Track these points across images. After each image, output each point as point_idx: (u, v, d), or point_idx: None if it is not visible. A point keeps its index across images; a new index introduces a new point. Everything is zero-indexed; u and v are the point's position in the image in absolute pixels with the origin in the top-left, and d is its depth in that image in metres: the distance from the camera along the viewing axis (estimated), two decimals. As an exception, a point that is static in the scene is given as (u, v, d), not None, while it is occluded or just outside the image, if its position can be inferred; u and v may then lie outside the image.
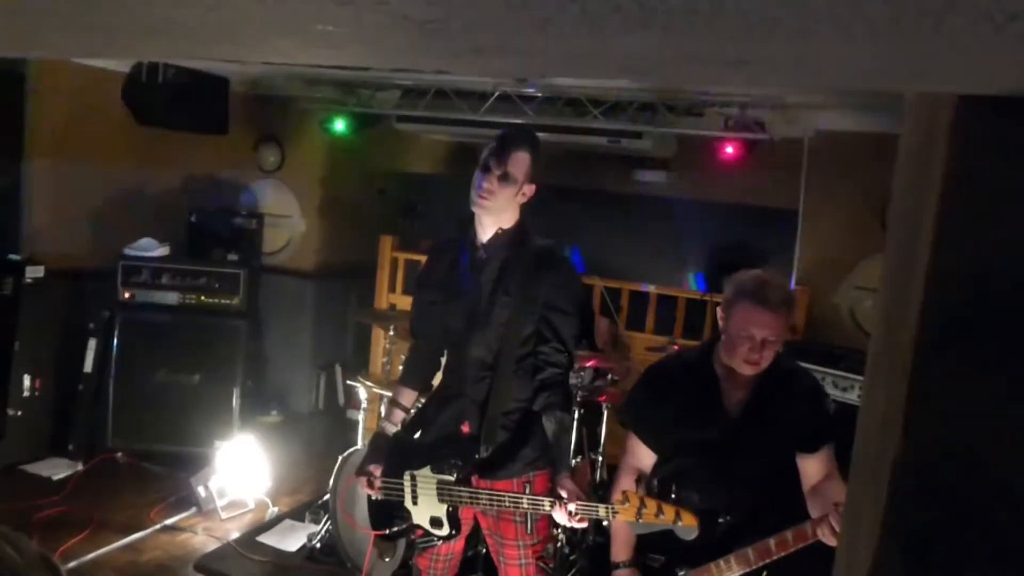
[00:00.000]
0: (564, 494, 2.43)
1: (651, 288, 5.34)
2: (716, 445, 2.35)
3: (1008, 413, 0.51)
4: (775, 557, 2.21)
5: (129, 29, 0.55)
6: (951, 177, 0.51)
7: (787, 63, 0.45)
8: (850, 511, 0.87)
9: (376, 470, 2.76)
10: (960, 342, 0.53)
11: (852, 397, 4.09)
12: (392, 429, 2.87)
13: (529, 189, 2.59)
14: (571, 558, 4.05)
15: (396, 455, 2.78)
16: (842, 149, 4.80)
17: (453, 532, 2.69)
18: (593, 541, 4.19)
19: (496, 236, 2.65)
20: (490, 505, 2.63)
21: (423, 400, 3.03)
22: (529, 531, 2.69)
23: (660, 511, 2.25)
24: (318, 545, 4.22)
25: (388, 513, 2.81)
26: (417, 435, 2.90)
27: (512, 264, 2.64)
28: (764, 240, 5.46)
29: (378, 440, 2.86)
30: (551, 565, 2.89)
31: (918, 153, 0.75)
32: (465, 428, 2.73)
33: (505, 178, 2.51)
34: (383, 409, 4.44)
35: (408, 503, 2.73)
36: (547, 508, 2.47)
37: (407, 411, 2.93)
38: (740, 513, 2.34)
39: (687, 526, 2.23)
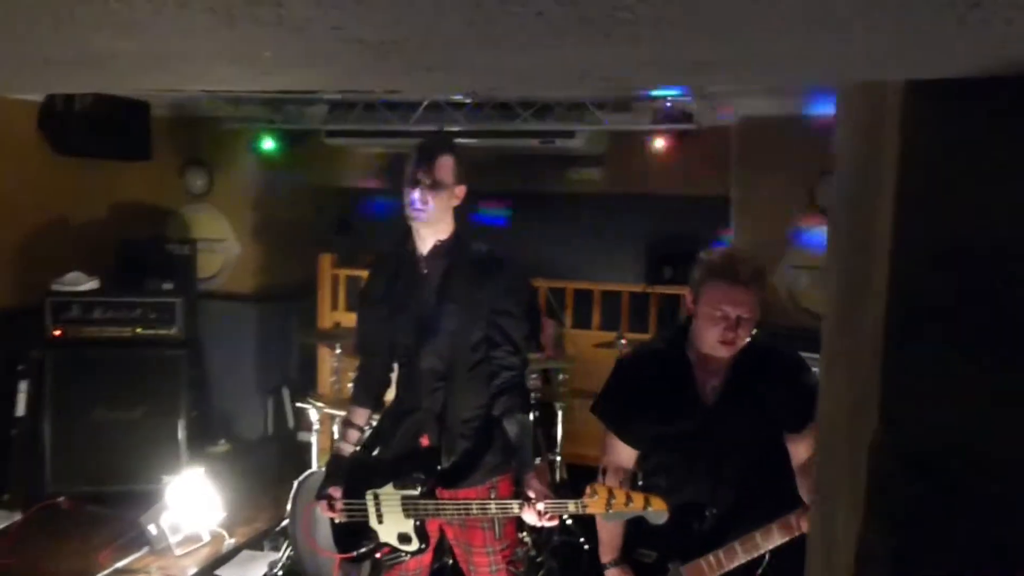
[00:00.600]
0: (532, 494, 2.44)
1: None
2: (695, 436, 2.29)
3: (986, 387, 0.52)
4: (763, 551, 2.20)
5: (71, 62, 0.52)
6: (908, 157, 0.52)
7: (754, 63, 0.46)
8: (824, 494, 0.88)
9: (336, 492, 2.72)
10: (930, 321, 0.54)
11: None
12: (348, 449, 2.84)
13: (460, 191, 2.63)
14: (538, 560, 4.06)
15: (356, 475, 2.75)
16: (767, 133, 4.91)
17: (423, 546, 2.68)
18: (559, 540, 4.20)
19: (435, 247, 2.67)
20: (457, 514, 2.62)
21: (376, 417, 3.00)
22: (497, 536, 2.70)
23: (629, 499, 2.26)
24: (280, 573, 4.13)
25: (353, 534, 2.78)
26: (375, 453, 2.88)
27: (454, 272, 2.65)
28: (701, 228, 5.54)
29: (335, 462, 2.83)
30: (521, 569, 2.89)
31: (864, 136, 0.77)
32: (424, 441, 2.72)
33: (436, 186, 2.55)
34: (336, 430, 4.38)
35: (373, 522, 2.70)
36: (516, 511, 2.48)
37: (361, 430, 2.90)
38: (727, 503, 2.30)
39: (657, 511, 2.23)
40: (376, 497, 2.67)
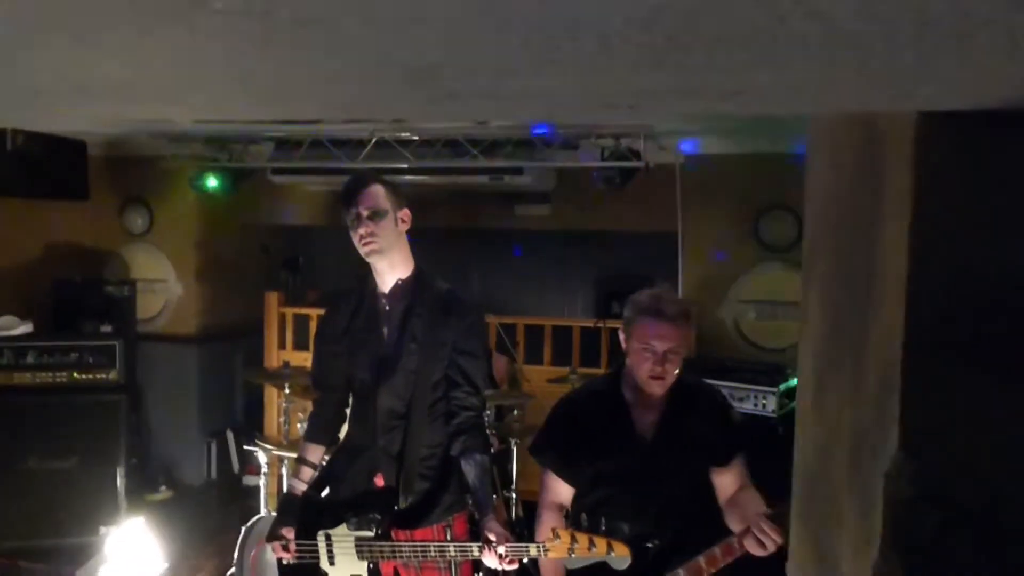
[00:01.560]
0: (493, 537, 2.39)
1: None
2: (635, 471, 2.36)
3: (1006, 417, 0.53)
4: (708, 573, 2.23)
5: (60, 91, 0.50)
6: (923, 188, 0.53)
7: (778, 92, 0.46)
8: (816, 522, 0.88)
9: (289, 532, 2.65)
10: (949, 351, 0.54)
11: (748, 407, 4.25)
12: (301, 488, 2.76)
13: (404, 214, 2.61)
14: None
15: (306, 515, 2.68)
16: (712, 170, 5.04)
17: None
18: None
19: (397, 285, 2.65)
20: (415, 556, 2.56)
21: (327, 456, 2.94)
22: (454, 574, 2.65)
23: (592, 544, 2.25)
24: (227, 624, 3.97)
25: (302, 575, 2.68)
26: (324, 492, 2.81)
27: (416, 311, 2.63)
28: (648, 264, 5.63)
29: (288, 501, 2.77)
30: None
31: (852, 168, 0.78)
32: (379, 481, 2.66)
33: (374, 216, 2.54)
34: (284, 471, 4.26)
35: (324, 564, 2.63)
36: (476, 553, 2.43)
37: (316, 468, 2.82)
38: (668, 535, 2.36)
39: (620, 556, 2.24)
40: (328, 538, 2.60)
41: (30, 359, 4.90)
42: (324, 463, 2.90)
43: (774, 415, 4.20)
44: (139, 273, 5.89)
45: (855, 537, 0.69)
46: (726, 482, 2.41)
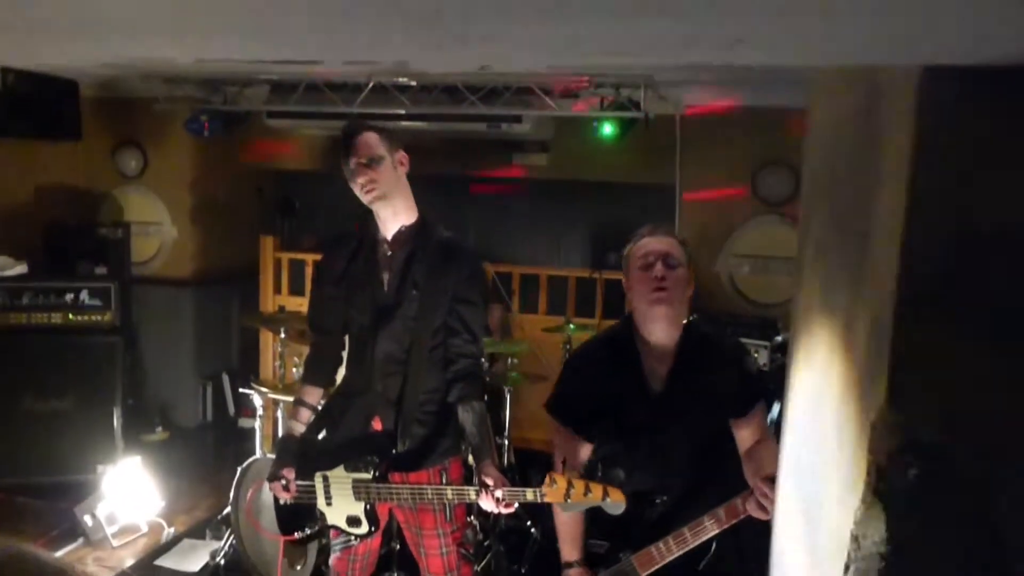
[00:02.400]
0: (490, 482, 2.42)
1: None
2: (645, 424, 2.32)
3: (992, 373, 0.54)
4: (712, 534, 2.22)
5: (60, 26, 0.49)
6: (923, 144, 0.53)
7: (779, 42, 0.46)
8: (803, 472, 0.90)
9: (290, 473, 2.69)
10: (940, 306, 0.55)
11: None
12: (300, 429, 2.79)
13: (402, 157, 2.64)
14: (486, 544, 4.07)
15: (304, 457, 2.72)
16: (711, 124, 5.00)
17: (372, 529, 2.67)
18: (506, 525, 4.22)
19: (400, 232, 2.66)
20: (411, 498, 2.61)
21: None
22: (448, 518, 2.71)
23: (588, 490, 2.26)
24: (222, 562, 4.05)
25: (298, 517, 2.75)
26: (321, 435, 2.84)
27: (418, 258, 2.63)
28: (644, 216, 5.60)
29: (287, 442, 2.80)
30: (471, 551, 2.90)
31: (852, 122, 0.78)
32: (376, 424, 2.70)
33: (371, 162, 2.55)
34: (279, 414, 4.30)
35: (321, 505, 2.68)
36: (472, 497, 2.46)
37: (314, 410, 2.85)
38: (676, 491, 2.32)
39: (615, 501, 2.24)
40: (325, 479, 2.64)
41: (25, 300, 4.91)
42: (321, 406, 2.92)
43: (765, 368, 4.24)
44: (133, 216, 5.86)
45: (839, 486, 0.71)
46: (744, 434, 2.33)
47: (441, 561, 2.76)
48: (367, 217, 2.70)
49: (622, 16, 0.37)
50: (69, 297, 4.97)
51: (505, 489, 2.40)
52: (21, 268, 5.04)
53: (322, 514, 2.70)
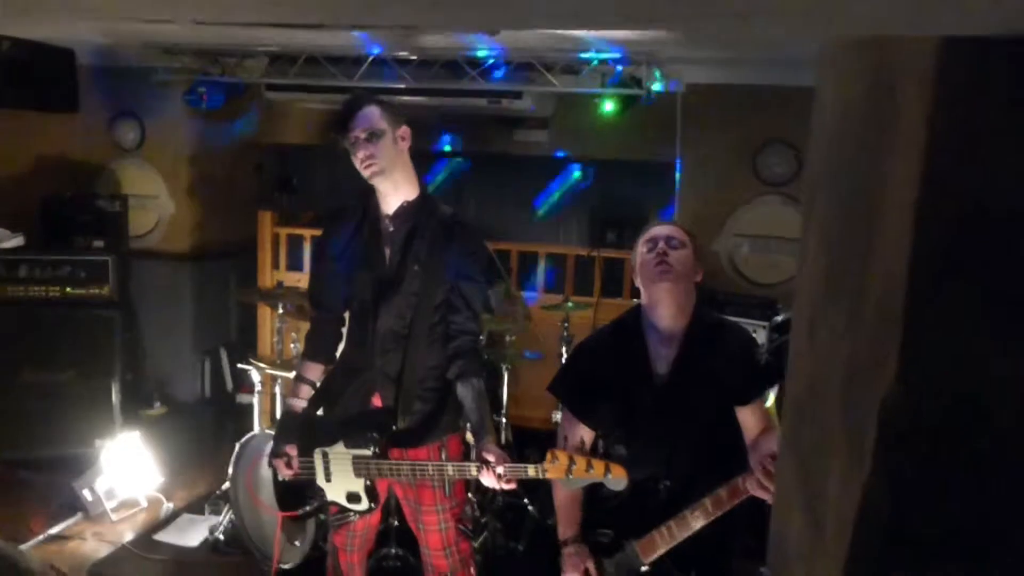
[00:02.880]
0: (491, 458, 2.42)
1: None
2: (649, 409, 2.33)
3: (1004, 354, 0.53)
4: (714, 516, 2.21)
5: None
6: (939, 119, 0.51)
7: (792, 13, 0.44)
8: (805, 453, 0.89)
9: (292, 449, 2.69)
10: (953, 285, 0.54)
11: (739, 339, 4.28)
12: (300, 405, 2.79)
13: (403, 132, 2.61)
14: (483, 520, 4.09)
15: (304, 433, 2.72)
16: (714, 102, 4.96)
17: (372, 505, 2.68)
18: (504, 502, 4.25)
19: (402, 208, 2.64)
20: (412, 474, 2.61)
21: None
22: (447, 494, 2.72)
23: (589, 466, 2.27)
24: (221, 537, 4.07)
25: (298, 493, 2.76)
26: (320, 411, 2.84)
27: (420, 234, 2.62)
28: (645, 194, 5.60)
29: (288, 419, 2.80)
30: (470, 527, 2.91)
31: (863, 95, 0.76)
32: (376, 401, 2.70)
33: (371, 137, 2.53)
34: (277, 389, 4.30)
35: (321, 481, 2.69)
36: (474, 473, 2.47)
37: (314, 386, 2.85)
38: (680, 477, 2.32)
39: (616, 477, 2.25)
40: (325, 456, 2.65)
41: (22, 272, 4.89)
42: (321, 382, 2.91)
43: (765, 356, 4.24)
44: (130, 188, 5.82)
45: (843, 465, 0.70)
46: (749, 422, 2.34)
47: (440, 537, 2.77)
48: (369, 192, 2.69)
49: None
50: (67, 270, 4.96)
51: (507, 465, 2.41)
52: (18, 240, 5.02)
53: (321, 490, 2.70)
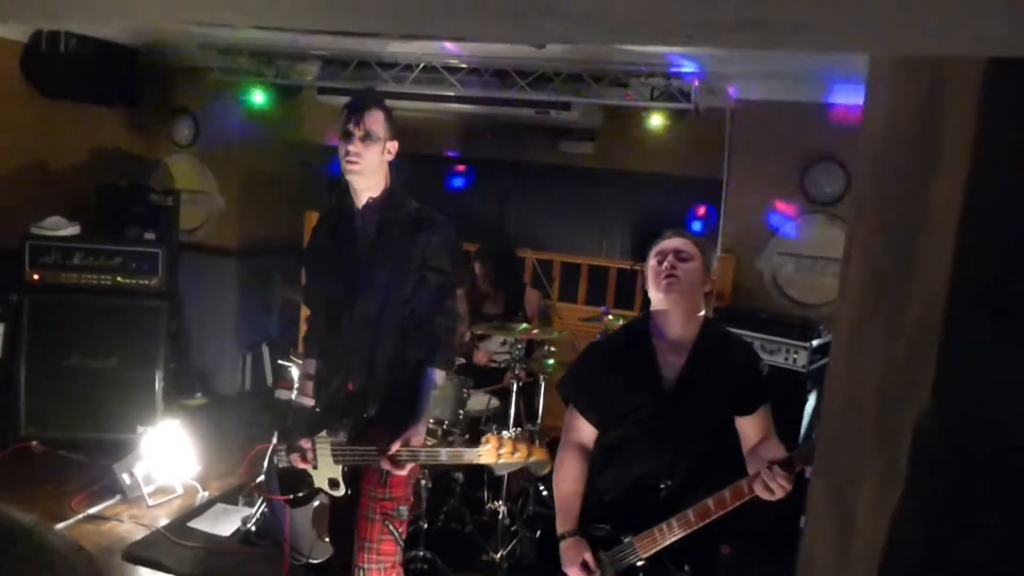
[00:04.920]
0: (396, 445, 2.56)
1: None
2: (655, 412, 2.40)
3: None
4: (715, 516, 2.26)
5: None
6: (984, 139, 0.51)
7: (844, 28, 0.45)
8: (837, 475, 0.88)
9: (307, 443, 2.76)
10: (990, 311, 0.54)
11: (779, 360, 4.23)
12: (309, 402, 2.89)
13: (392, 146, 2.70)
14: (512, 529, 4.09)
15: (309, 425, 2.81)
16: (763, 118, 4.92)
17: (348, 491, 2.74)
18: (533, 511, 4.24)
19: (369, 202, 2.74)
20: (378, 458, 2.67)
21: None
22: (382, 482, 2.73)
23: (515, 450, 2.50)
24: (253, 528, 4.13)
25: (294, 479, 2.84)
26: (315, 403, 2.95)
27: (388, 227, 2.73)
28: (690, 208, 5.56)
29: (299, 415, 2.89)
30: (399, 529, 2.76)
31: (911, 118, 0.76)
32: (350, 387, 2.77)
33: (367, 138, 2.63)
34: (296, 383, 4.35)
35: (310, 468, 2.77)
36: (375, 457, 2.60)
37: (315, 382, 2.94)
38: (681, 478, 2.39)
39: (538, 460, 2.50)
40: (313, 443, 2.74)
41: (76, 260, 5.03)
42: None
43: (804, 370, 4.18)
44: (183, 183, 5.97)
45: (875, 491, 0.69)
46: (750, 431, 2.43)
47: (366, 525, 2.75)
48: (344, 191, 2.80)
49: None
50: (118, 260, 5.09)
51: (407, 449, 2.56)
52: (74, 228, 5.17)
53: (311, 477, 2.79)
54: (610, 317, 4.45)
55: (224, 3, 0.51)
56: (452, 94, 5.08)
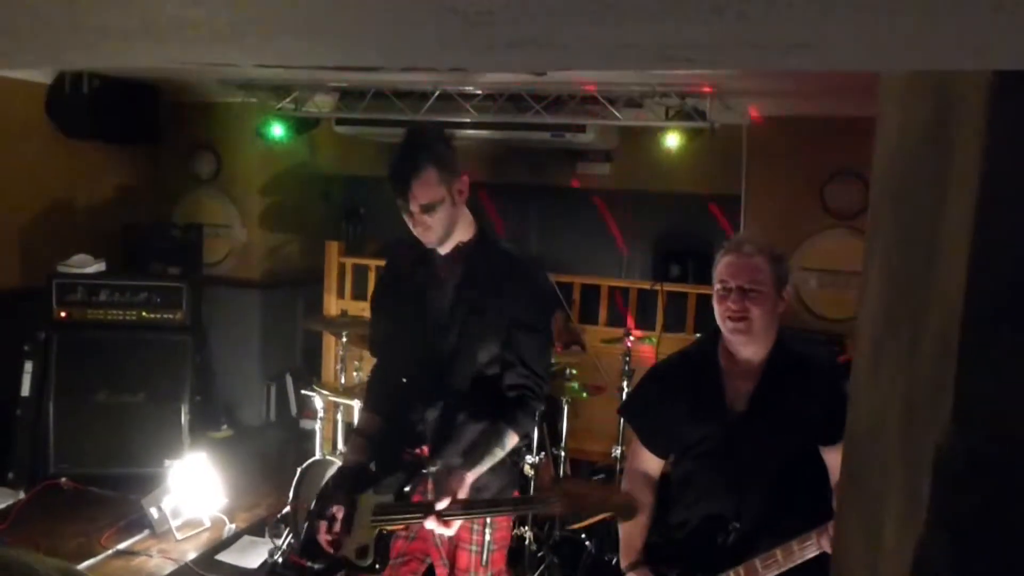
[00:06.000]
0: (444, 496, 2.17)
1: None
2: (720, 444, 2.18)
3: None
4: (785, 568, 2.07)
5: (126, 29, 0.51)
6: (993, 154, 0.50)
7: (847, 47, 0.44)
8: (864, 500, 0.87)
9: (339, 511, 2.33)
10: (1008, 325, 0.52)
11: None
12: (356, 459, 2.47)
13: (462, 184, 2.33)
14: (539, 555, 4.05)
15: (352, 487, 2.40)
16: (780, 133, 4.90)
17: (377, 565, 2.31)
18: (560, 536, 4.20)
19: (457, 248, 2.40)
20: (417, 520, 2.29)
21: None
22: (484, 563, 2.43)
23: (592, 496, 2.24)
24: (280, 560, 4.12)
25: (317, 548, 2.40)
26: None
27: (474, 277, 2.38)
28: (709, 226, 5.54)
29: (341, 474, 2.45)
30: None
31: (921, 132, 0.75)
32: (419, 452, 2.45)
33: (428, 209, 2.26)
34: (339, 416, 4.36)
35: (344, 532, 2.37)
36: (419, 518, 2.22)
37: (372, 439, 2.53)
38: (752, 518, 2.16)
39: (625, 504, 2.17)
40: (354, 504, 2.35)
41: (102, 297, 5.09)
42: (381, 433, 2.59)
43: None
44: (205, 218, 6.04)
45: (902, 510, 0.68)
46: (835, 463, 2.08)
47: None
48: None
49: (674, 18, 0.36)
50: (143, 296, 5.14)
51: (454, 502, 2.15)
52: (99, 266, 5.24)
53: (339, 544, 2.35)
54: (631, 340, 4.43)
55: (231, 45, 0.52)
56: (468, 120, 5.11)
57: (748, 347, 2.17)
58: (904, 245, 0.80)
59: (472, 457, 2.27)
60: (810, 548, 2.05)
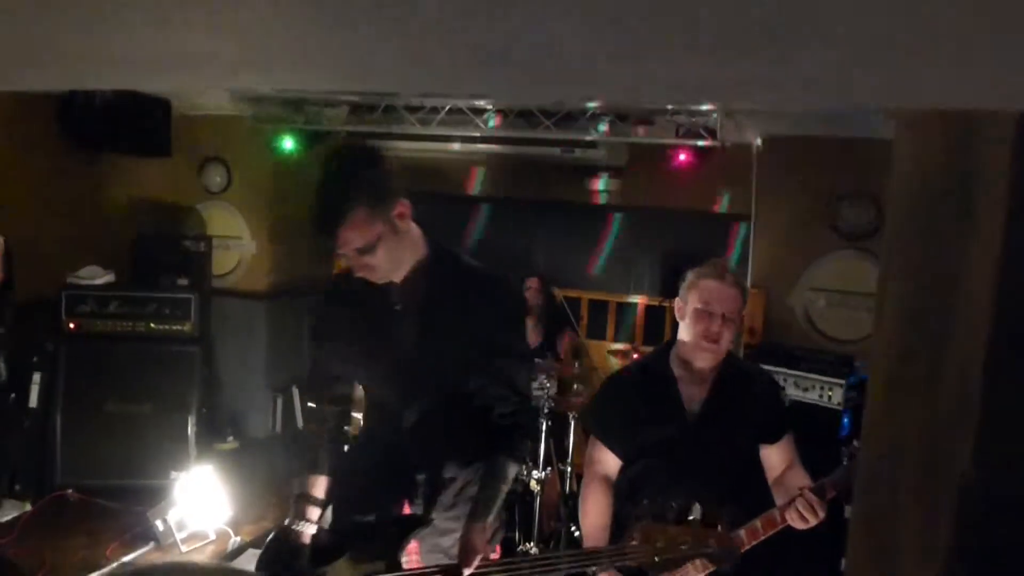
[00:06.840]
0: (466, 554, 1.95)
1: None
2: (677, 444, 2.39)
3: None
4: (746, 547, 2.24)
5: (137, 60, 0.51)
6: (1019, 196, 0.50)
7: (862, 82, 0.44)
8: (877, 530, 0.85)
9: None
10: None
11: (813, 397, 4.16)
12: (310, 530, 2.15)
13: (400, 211, 1.98)
14: (545, 572, 4.02)
15: (306, 561, 2.11)
16: (790, 153, 4.90)
17: None
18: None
19: (412, 271, 2.09)
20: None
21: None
22: None
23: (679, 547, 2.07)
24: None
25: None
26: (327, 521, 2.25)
27: (437, 301, 2.09)
28: (717, 245, 5.53)
29: (292, 551, 2.11)
30: None
31: (942, 163, 0.75)
32: (403, 507, 2.19)
33: (364, 251, 1.94)
34: (347, 428, 4.33)
35: None
36: None
37: (325, 505, 2.21)
38: (709, 508, 2.31)
39: (729, 548, 2.09)
40: None
41: (111, 308, 5.11)
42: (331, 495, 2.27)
43: (839, 407, 4.10)
44: (215, 230, 6.06)
45: (919, 548, 0.67)
46: (775, 460, 2.44)
47: None
48: None
49: (687, 55, 0.36)
50: (152, 307, 5.16)
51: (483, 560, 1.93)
52: (109, 277, 5.25)
53: None
54: (638, 356, 4.41)
55: (246, 74, 0.52)
56: (478, 135, 5.13)
57: (708, 360, 2.41)
58: (922, 275, 0.79)
59: (483, 504, 2.07)
60: (773, 525, 2.25)
